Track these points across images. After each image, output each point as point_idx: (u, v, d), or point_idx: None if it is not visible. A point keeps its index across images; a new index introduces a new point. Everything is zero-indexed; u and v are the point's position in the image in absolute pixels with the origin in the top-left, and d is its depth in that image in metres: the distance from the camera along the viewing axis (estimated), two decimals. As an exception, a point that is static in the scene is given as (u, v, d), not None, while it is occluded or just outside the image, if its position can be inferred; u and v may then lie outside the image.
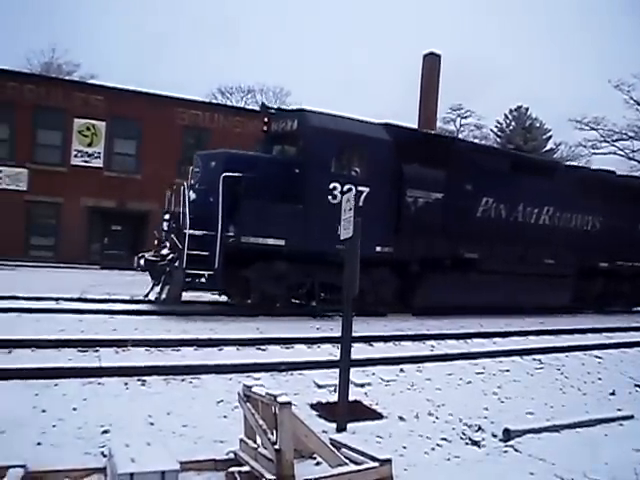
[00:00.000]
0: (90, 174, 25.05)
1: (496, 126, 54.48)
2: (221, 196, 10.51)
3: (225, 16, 76.50)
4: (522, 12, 78.52)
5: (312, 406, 5.92)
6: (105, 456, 4.10)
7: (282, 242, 11.05)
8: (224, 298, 12.63)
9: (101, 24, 70.69)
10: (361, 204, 11.58)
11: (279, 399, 3.83)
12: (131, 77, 39.84)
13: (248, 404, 4.26)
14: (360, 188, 11.74)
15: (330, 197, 11.47)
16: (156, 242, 11.97)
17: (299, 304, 12.22)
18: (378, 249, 12.07)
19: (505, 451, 5.23)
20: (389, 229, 12.33)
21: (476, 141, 38.35)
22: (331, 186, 11.51)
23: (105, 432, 4.75)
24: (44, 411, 5.10)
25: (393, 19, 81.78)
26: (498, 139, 53.25)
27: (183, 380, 6.31)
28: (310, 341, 8.73)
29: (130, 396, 5.73)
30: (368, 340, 9.03)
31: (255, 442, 4.16)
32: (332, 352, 7.96)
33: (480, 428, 5.72)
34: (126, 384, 6.00)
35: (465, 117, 55.21)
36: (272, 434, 3.88)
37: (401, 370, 7.53)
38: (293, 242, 11.09)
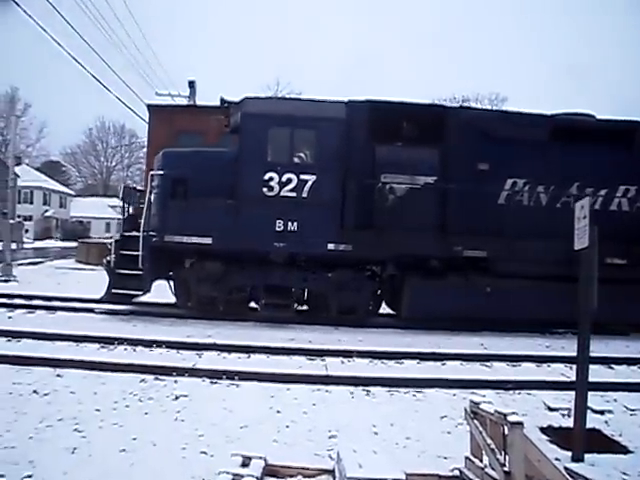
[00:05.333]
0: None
1: None
2: (147, 195, 10.42)
3: (433, 29, 76.80)
4: None
5: (542, 430, 5.53)
6: (333, 459, 4.27)
7: (209, 240, 10.17)
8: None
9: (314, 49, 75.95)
10: (305, 195, 10.25)
11: (509, 418, 3.60)
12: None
13: (475, 421, 4.09)
14: (304, 177, 10.28)
15: (265, 189, 10.24)
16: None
17: (253, 309, 11.09)
18: (330, 247, 10.29)
19: None
20: (348, 223, 10.36)
21: None
22: (266, 177, 10.25)
23: (332, 437, 4.98)
24: (279, 412, 5.53)
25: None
26: None
27: (406, 393, 6.33)
28: (539, 359, 8.15)
29: (355, 404, 5.93)
30: (607, 362, 8.10)
31: (482, 461, 3.97)
32: (564, 372, 7.34)
33: None
34: (351, 393, 6.22)
35: None
36: (501, 454, 3.67)
37: (650, 398, 6.61)
38: (222, 240, 10.14)
